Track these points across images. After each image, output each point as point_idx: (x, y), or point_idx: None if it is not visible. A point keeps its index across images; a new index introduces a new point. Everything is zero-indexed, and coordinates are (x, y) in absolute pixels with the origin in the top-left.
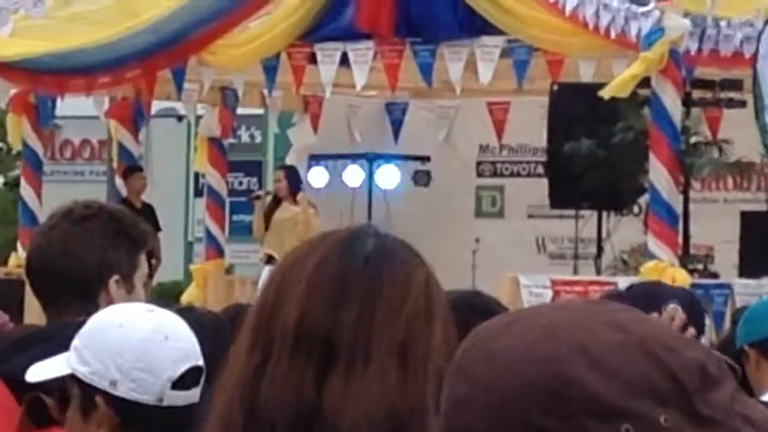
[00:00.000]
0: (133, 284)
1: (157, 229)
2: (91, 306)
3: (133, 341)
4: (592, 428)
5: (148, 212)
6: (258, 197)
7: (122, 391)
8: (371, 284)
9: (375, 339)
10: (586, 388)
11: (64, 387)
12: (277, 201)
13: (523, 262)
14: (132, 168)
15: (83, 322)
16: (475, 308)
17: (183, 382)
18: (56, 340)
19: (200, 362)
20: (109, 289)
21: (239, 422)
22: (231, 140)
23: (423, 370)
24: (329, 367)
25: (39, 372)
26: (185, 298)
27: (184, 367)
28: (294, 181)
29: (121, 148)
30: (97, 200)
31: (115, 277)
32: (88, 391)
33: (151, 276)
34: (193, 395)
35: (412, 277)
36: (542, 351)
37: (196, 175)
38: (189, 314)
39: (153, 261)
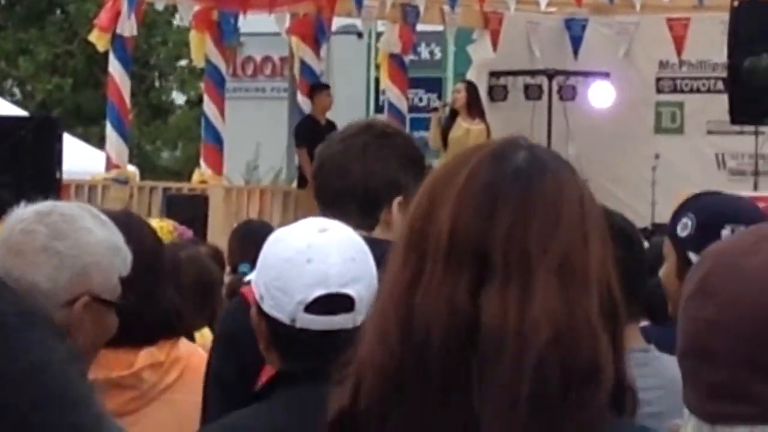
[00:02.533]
0: None
1: None
2: (371, 220)
3: (278, 259)
4: None
5: (332, 130)
6: (436, 109)
7: (266, 306)
8: (522, 196)
9: (531, 253)
10: None
11: None
12: (453, 115)
13: (703, 178)
14: (318, 85)
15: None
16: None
17: (317, 306)
18: None
19: (346, 290)
20: (391, 209)
21: (394, 333)
22: (411, 57)
23: (585, 287)
24: (484, 280)
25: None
26: None
27: (317, 293)
28: (474, 96)
29: (303, 64)
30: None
31: (399, 198)
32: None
33: None
34: (333, 321)
35: (564, 192)
36: None
37: (377, 92)
38: None
39: None
